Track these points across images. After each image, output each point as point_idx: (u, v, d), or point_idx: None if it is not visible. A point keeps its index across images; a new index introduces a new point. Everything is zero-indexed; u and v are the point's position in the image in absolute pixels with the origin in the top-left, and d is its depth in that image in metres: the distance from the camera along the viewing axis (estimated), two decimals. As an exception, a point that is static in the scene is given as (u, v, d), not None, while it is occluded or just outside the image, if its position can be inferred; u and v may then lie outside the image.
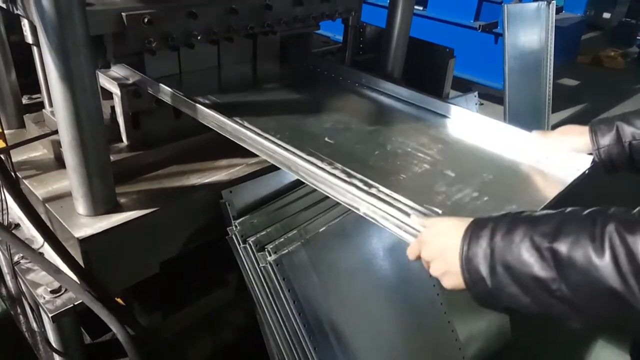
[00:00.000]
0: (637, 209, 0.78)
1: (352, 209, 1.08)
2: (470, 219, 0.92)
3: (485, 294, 0.87)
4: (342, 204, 1.10)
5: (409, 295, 1.87)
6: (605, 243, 0.74)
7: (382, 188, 1.14)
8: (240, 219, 1.56)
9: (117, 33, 1.47)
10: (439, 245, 0.94)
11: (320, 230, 1.63)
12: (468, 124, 1.59)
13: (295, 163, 1.19)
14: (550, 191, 1.22)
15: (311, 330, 1.54)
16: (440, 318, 1.95)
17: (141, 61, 1.62)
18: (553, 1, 4.26)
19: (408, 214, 1.02)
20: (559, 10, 4.77)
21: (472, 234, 0.88)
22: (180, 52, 1.72)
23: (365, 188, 1.11)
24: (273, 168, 1.70)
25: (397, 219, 1.02)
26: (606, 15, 8.60)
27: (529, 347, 2.62)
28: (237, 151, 1.71)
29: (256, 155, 1.71)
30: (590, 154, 1.26)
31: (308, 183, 1.17)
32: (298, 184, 1.73)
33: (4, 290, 1.87)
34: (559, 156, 1.32)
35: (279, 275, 1.49)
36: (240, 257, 1.55)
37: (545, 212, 0.86)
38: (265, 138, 1.27)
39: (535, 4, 4.17)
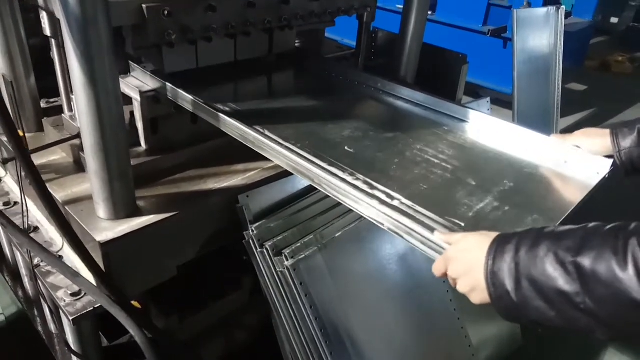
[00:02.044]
0: None
1: (377, 224, 1.09)
2: (495, 234, 0.94)
3: (510, 308, 0.88)
4: (367, 218, 1.10)
5: (422, 300, 1.87)
6: (628, 256, 0.76)
7: (404, 200, 1.14)
8: (257, 224, 1.56)
9: (137, 25, 1.46)
10: (465, 262, 0.95)
11: (336, 235, 1.64)
12: (486, 128, 1.59)
13: (318, 176, 1.20)
14: (572, 198, 1.23)
15: (327, 334, 1.55)
16: (454, 323, 1.95)
17: (159, 54, 1.62)
18: (562, 6, 4.26)
19: (432, 230, 1.02)
20: (567, 15, 4.76)
21: (497, 248, 0.90)
22: (197, 46, 1.71)
23: (388, 200, 1.12)
24: (288, 173, 1.71)
25: (421, 235, 1.03)
26: (614, 20, 8.58)
27: (540, 353, 2.61)
28: (253, 156, 1.73)
29: (271, 160, 1.75)
30: (610, 156, 1.27)
31: (331, 196, 1.18)
32: (313, 188, 1.73)
33: (20, 293, 1.89)
34: (578, 160, 1.32)
35: (296, 279, 1.50)
36: (257, 262, 1.56)
37: (568, 227, 0.88)
38: (287, 149, 1.28)
39: (544, 9, 4.17)
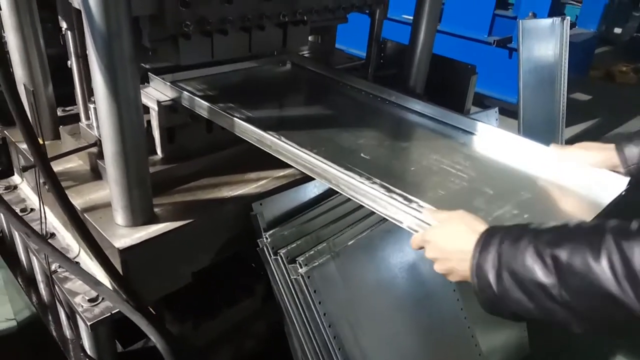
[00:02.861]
0: (635, 220, 0.82)
1: (395, 222, 1.11)
2: (481, 225, 0.99)
3: (492, 299, 0.92)
4: (385, 217, 1.13)
5: (433, 308, 1.88)
6: (602, 250, 0.79)
7: (422, 203, 1.15)
8: (271, 231, 1.59)
9: (154, 15, 1.45)
10: (447, 247, 1.01)
11: (349, 243, 1.66)
12: (499, 142, 1.60)
13: (336, 176, 1.23)
14: (590, 209, 1.24)
15: (341, 342, 1.57)
16: (464, 331, 1.97)
17: (175, 46, 1.59)
18: (567, 17, 4.30)
19: None
20: (571, 25, 4.80)
21: (484, 242, 0.94)
22: (213, 39, 1.67)
23: (406, 203, 1.14)
24: (299, 181, 1.74)
25: None
26: (617, 30, 8.62)
27: (547, 362, 2.62)
28: (265, 164, 1.77)
29: (283, 169, 1.78)
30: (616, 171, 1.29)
31: (349, 196, 1.21)
32: (325, 196, 1.77)
33: (34, 298, 1.91)
34: (596, 177, 1.33)
35: (310, 287, 1.52)
36: (271, 269, 1.57)
37: (552, 224, 0.92)
38: (305, 152, 1.31)
39: (549, 20, 4.21)
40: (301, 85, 2.10)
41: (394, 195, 1.18)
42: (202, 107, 1.54)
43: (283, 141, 1.36)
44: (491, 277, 0.90)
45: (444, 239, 1.02)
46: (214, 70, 1.96)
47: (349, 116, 1.85)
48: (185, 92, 1.61)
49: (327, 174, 1.25)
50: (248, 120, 1.50)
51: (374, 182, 1.24)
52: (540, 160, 1.46)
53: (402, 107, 1.88)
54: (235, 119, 1.46)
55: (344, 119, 1.80)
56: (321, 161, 1.27)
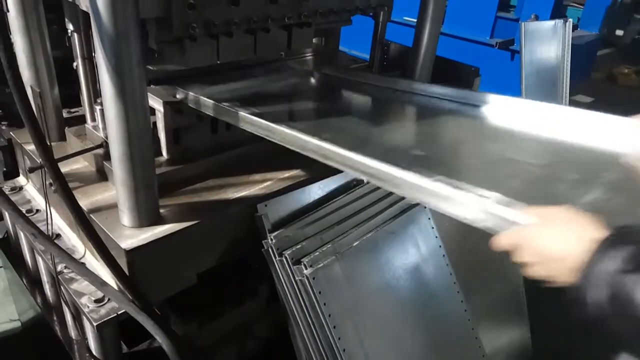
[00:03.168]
0: None
1: (470, 223, 1.00)
2: (596, 230, 0.84)
3: (596, 319, 0.81)
4: (457, 218, 1.02)
5: (437, 310, 1.89)
6: None
7: (499, 196, 1.00)
8: (276, 232, 1.59)
9: (161, 18, 1.44)
10: (554, 254, 0.86)
11: (354, 244, 1.67)
12: (565, 120, 1.44)
13: (395, 177, 1.11)
14: None
15: (345, 343, 1.57)
16: (468, 332, 1.97)
17: (180, 48, 1.57)
18: (569, 19, 4.32)
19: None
20: (573, 28, 4.81)
21: (599, 254, 0.81)
22: (219, 41, 1.64)
23: (480, 199, 1.00)
24: (304, 182, 1.75)
25: None
26: (619, 32, 8.63)
27: (550, 364, 2.62)
28: (269, 166, 1.78)
29: (287, 170, 1.78)
30: None
31: (409, 197, 1.09)
32: (329, 198, 1.77)
33: (39, 298, 1.92)
34: None
35: (315, 288, 1.52)
36: (276, 270, 1.58)
37: None
38: (357, 154, 1.20)
39: (551, 22, 4.23)
40: (337, 92, 2.05)
41: (464, 193, 1.03)
42: (246, 119, 1.51)
43: (329, 144, 1.26)
44: (599, 295, 0.78)
45: (548, 242, 0.87)
46: (241, 84, 1.93)
47: (386, 113, 1.75)
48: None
49: (386, 175, 1.12)
50: (293, 127, 1.40)
51: (437, 180, 1.07)
52: (617, 134, 1.32)
53: (445, 99, 1.76)
54: (286, 129, 1.40)
55: (382, 116, 1.68)
56: (376, 161, 1.15)
